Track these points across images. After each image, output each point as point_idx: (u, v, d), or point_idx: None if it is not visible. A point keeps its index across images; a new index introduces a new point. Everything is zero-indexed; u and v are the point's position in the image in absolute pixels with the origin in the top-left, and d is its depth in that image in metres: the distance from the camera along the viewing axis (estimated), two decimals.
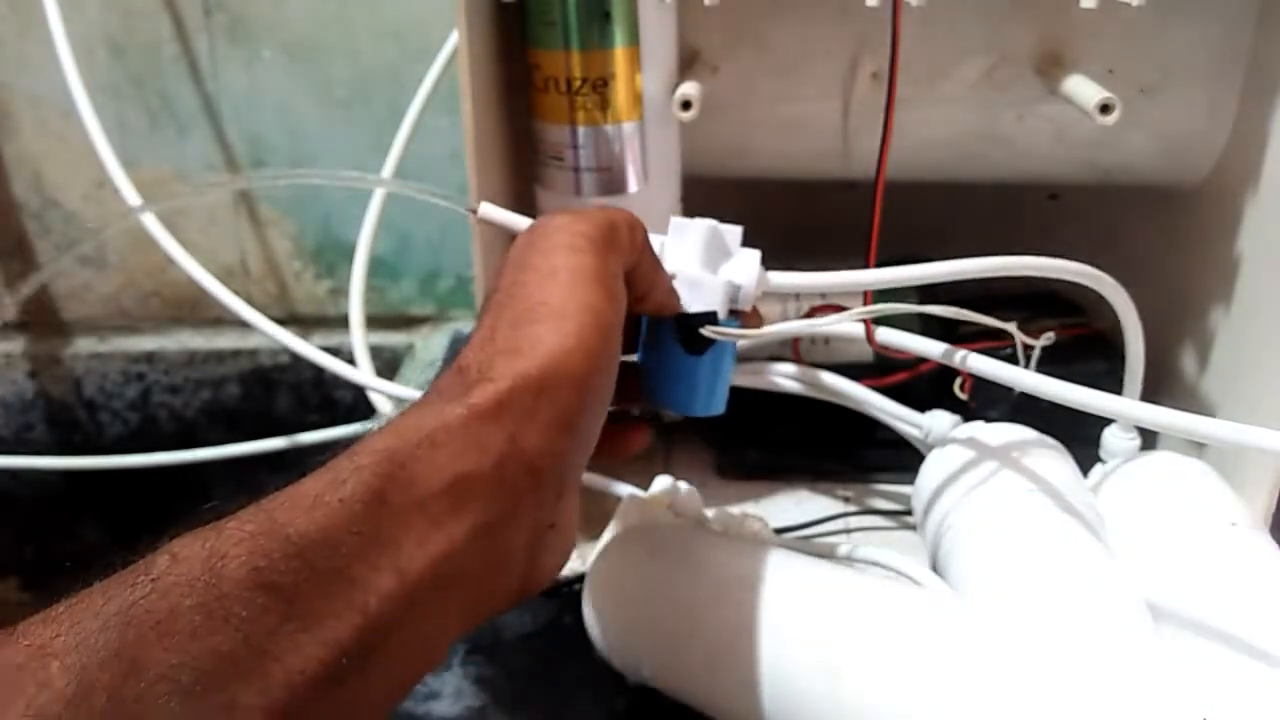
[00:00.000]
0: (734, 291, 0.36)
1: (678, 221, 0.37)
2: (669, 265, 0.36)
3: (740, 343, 0.38)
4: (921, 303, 0.44)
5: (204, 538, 0.23)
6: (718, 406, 0.37)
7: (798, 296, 0.55)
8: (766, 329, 0.37)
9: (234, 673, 0.22)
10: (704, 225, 0.36)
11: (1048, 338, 0.45)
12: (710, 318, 0.35)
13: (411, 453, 0.26)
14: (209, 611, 0.22)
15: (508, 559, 0.28)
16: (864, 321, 0.47)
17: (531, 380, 0.28)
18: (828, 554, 0.50)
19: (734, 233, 0.37)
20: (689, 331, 0.35)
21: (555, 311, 0.29)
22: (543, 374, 0.28)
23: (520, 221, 0.38)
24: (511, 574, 0.29)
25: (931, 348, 0.47)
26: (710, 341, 0.35)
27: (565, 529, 0.31)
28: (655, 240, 0.36)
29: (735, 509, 0.52)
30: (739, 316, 0.37)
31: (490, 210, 0.38)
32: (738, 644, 0.39)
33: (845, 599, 0.39)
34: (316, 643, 0.23)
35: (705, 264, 0.36)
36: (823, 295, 0.55)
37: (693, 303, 0.35)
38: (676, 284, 0.36)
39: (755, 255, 0.37)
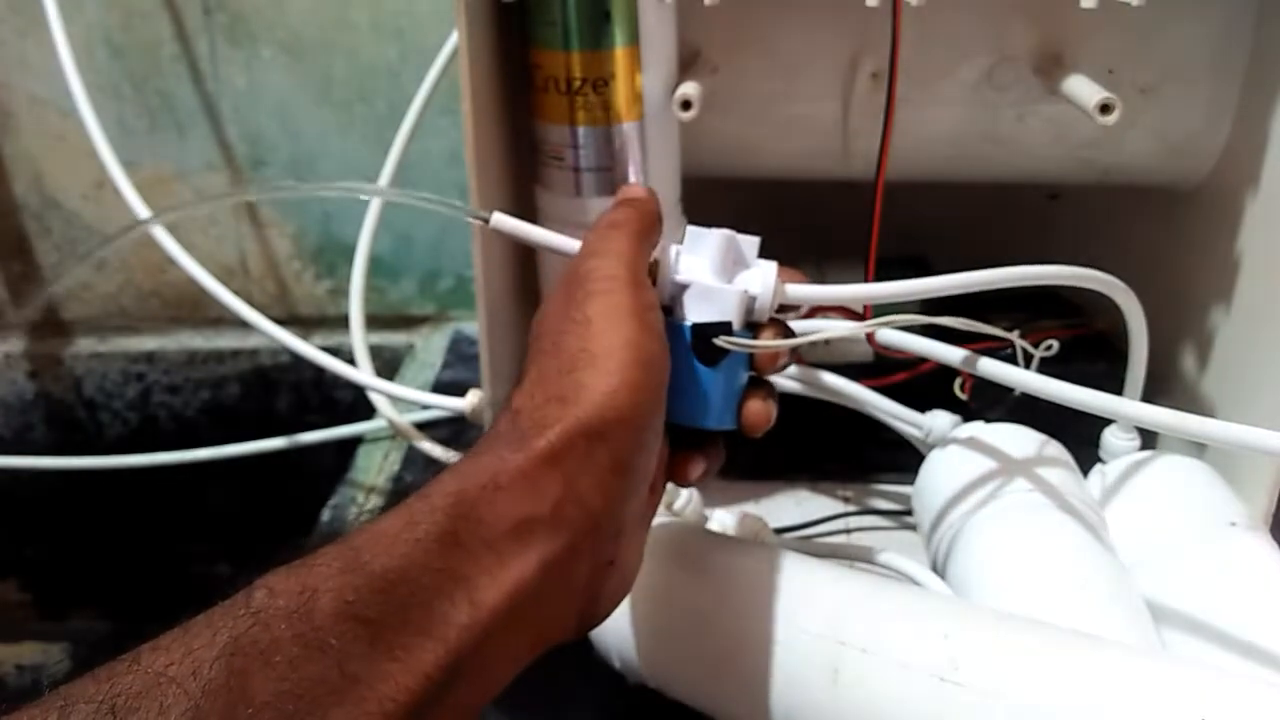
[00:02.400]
0: (749, 302, 0.35)
1: (694, 230, 0.36)
2: (683, 275, 0.35)
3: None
4: (923, 306, 0.44)
5: (296, 574, 0.25)
6: (730, 421, 0.36)
7: None
8: (781, 341, 0.36)
9: (331, 699, 0.23)
10: (720, 235, 0.36)
11: (1047, 346, 0.45)
12: (724, 328, 0.35)
13: (478, 496, 0.28)
14: (306, 642, 0.24)
15: (570, 592, 0.30)
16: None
17: (584, 427, 0.29)
18: (828, 554, 0.50)
19: (751, 243, 0.36)
20: (703, 342, 0.35)
21: (595, 357, 0.30)
22: (593, 420, 0.29)
23: (533, 231, 0.37)
24: (573, 605, 0.31)
25: (932, 348, 0.47)
26: (724, 353, 0.35)
27: (625, 565, 0.33)
28: (670, 249, 0.36)
29: (735, 509, 0.52)
30: (756, 329, 0.36)
31: (503, 220, 0.38)
32: (737, 645, 0.39)
33: (846, 600, 0.39)
34: (405, 672, 0.25)
35: (720, 274, 0.35)
36: None
37: (707, 313, 0.35)
38: (690, 294, 0.35)
39: (772, 266, 0.36)
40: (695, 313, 0.35)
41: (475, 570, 0.27)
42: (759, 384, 0.37)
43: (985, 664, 0.34)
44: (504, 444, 0.29)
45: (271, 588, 0.25)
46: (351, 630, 0.24)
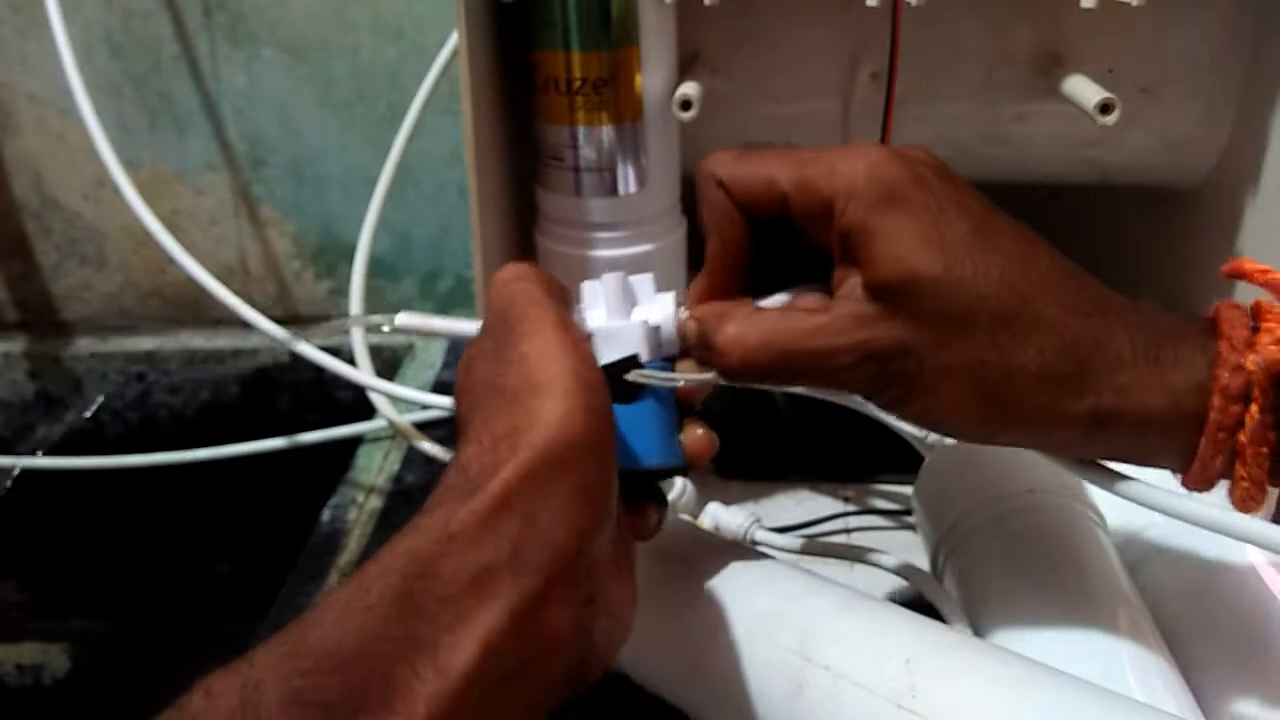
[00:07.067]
0: (653, 334, 0.35)
1: (587, 285, 0.36)
2: (589, 325, 0.35)
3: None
4: None
5: (236, 670, 0.24)
6: (673, 455, 0.35)
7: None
8: (696, 375, 0.35)
9: None
10: (611, 278, 0.35)
11: None
12: (632, 361, 0.34)
13: (430, 550, 0.26)
14: None
15: (552, 642, 0.27)
16: None
17: (542, 456, 0.27)
18: (827, 554, 0.50)
19: (644, 280, 0.36)
20: (616, 381, 0.34)
21: (540, 385, 0.29)
22: (551, 446, 0.27)
23: (439, 324, 0.37)
24: (558, 658, 0.28)
25: None
26: (640, 388, 0.34)
27: (610, 604, 0.31)
28: (577, 309, 0.35)
29: (735, 508, 0.52)
30: (674, 362, 0.36)
31: (408, 320, 0.37)
32: (707, 647, 0.39)
33: (817, 615, 0.38)
34: None
35: (617, 314, 0.35)
36: None
37: (614, 353, 0.34)
38: (595, 341, 0.34)
39: (670, 296, 0.36)
40: (604, 356, 0.34)
41: (436, 632, 0.25)
42: (691, 415, 0.36)
43: (942, 693, 0.34)
44: (455, 495, 0.27)
45: (209, 689, 0.23)
46: (305, 717, 0.22)
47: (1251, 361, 0.30)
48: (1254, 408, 0.30)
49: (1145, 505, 0.33)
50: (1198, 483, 0.32)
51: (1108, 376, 0.31)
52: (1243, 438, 0.30)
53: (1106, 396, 0.31)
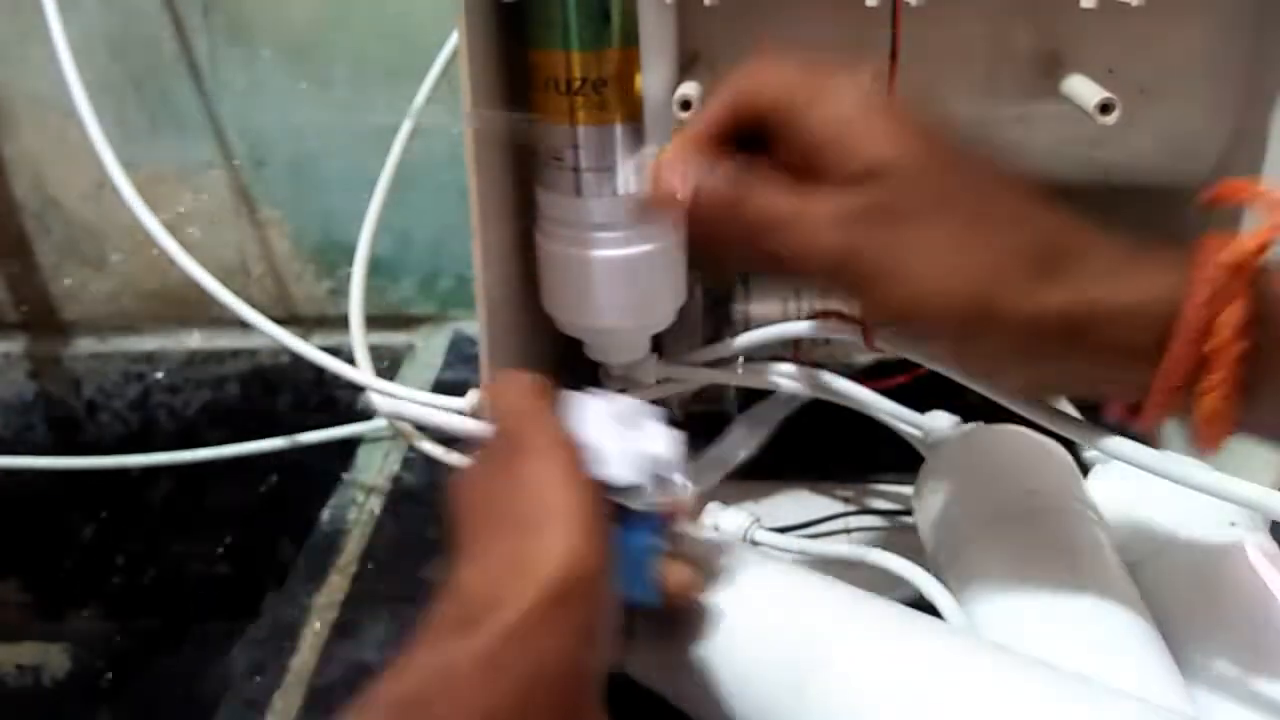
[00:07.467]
0: (654, 463, 0.34)
1: (580, 398, 0.35)
2: (590, 439, 0.33)
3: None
4: None
5: None
6: (651, 592, 0.35)
7: (798, 295, 0.55)
8: (688, 495, 0.35)
9: None
10: (623, 402, 0.35)
11: None
12: (635, 490, 0.34)
13: (427, 697, 0.25)
14: None
15: None
16: (863, 324, 0.47)
17: (551, 593, 0.26)
18: (828, 554, 0.50)
19: (637, 405, 0.36)
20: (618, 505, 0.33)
21: (548, 516, 0.28)
22: (560, 583, 0.27)
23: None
24: None
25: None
26: (625, 514, 0.33)
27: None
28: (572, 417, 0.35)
29: (735, 508, 0.52)
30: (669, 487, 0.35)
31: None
32: (709, 646, 0.39)
33: (821, 615, 0.38)
34: None
35: (620, 436, 0.34)
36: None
37: (617, 477, 0.33)
38: (593, 458, 0.33)
39: (666, 431, 0.35)
40: (608, 478, 0.33)
41: None
42: (674, 551, 0.36)
43: (943, 693, 0.34)
44: (454, 630, 0.26)
45: None
46: None
47: (1229, 254, 0.30)
48: (1234, 304, 0.30)
49: (1130, 463, 0.34)
50: (1166, 396, 0.31)
51: (1087, 264, 0.31)
52: (1219, 335, 0.30)
53: (1085, 285, 0.31)
